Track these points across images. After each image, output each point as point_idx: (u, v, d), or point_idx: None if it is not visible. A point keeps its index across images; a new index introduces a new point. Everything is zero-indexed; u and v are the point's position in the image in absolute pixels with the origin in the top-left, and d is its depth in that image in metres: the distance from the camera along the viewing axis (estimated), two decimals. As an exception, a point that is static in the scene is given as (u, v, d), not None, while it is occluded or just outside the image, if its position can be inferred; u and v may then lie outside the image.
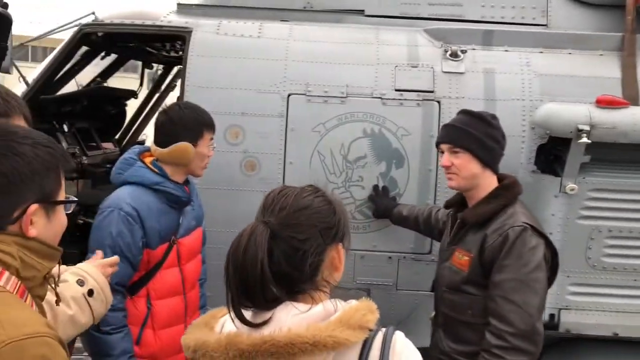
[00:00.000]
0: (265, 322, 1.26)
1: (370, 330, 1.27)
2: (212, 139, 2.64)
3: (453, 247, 2.47)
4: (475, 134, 2.38)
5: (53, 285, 1.48)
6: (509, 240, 2.23)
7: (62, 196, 1.44)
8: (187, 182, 2.68)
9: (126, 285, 2.49)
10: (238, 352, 1.22)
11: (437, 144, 2.56)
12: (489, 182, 2.42)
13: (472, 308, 2.35)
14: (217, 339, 1.26)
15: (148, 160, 2.60)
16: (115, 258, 2.17)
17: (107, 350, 2.39)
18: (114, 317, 2.40)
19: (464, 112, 2.50)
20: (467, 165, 2.39)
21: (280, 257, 1.27)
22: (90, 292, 1.93)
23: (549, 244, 2.33)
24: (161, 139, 2.55)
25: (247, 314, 1.29)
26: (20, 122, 2.05)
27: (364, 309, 1.28)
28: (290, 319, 1.26)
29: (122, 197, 2.47)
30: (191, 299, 2.71)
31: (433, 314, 2.63)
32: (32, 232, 1.36)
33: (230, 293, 1.28)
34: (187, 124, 2.53)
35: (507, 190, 2.39)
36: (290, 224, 1.29)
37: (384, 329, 1.31)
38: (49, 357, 1.21)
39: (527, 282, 2.20)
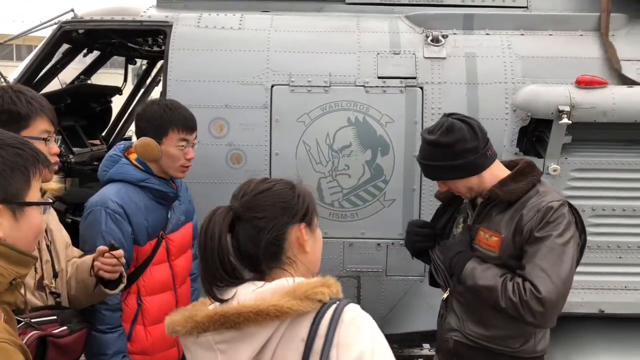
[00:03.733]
0: (230, 299, 1.37)
1: (324, 303, 1.33)
2: (183, 139, 2.52)
3: (477, 227, 2.36)
4: (442, 164, 2.28)
5: (22, 292, 1.43)
6: (549, 213, 2.18)
7: (33, 197, 1.38)
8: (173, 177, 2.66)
9: None
10: (194, 324, 1.35)
11: None
12: (494, 172, 2.33)
13: None
14: (182, 316, 1.39)
15: (133, 156, 2.58)
16: (121, 251, 2.19)
17: (102, 349, 2.39)
18: (112, 317, 2.41)
19: (423, 141, 2.35)
20: (459, 185, 2.33)
21: (245, 238, 1.41)
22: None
23: (578, 223, 2.29)
24: (136, 133, 2.57)
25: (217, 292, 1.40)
26: (43, 124, 2.09)
27: (318, 284, 1.35)
28: (249, 294, 1.36)
29: (108, 194, 2.45)
30: (182, 294, 2.71)
31: (446, 295, 2.50)
32: None
33: (201, 272, 1.41)
34: (151, 120, 2.50)
35: (534, 169, 2.33)
36: (252, 205, 1.43)
37: (338, 302, 1.36)
38: None
39: (560, 253, 2.16)
